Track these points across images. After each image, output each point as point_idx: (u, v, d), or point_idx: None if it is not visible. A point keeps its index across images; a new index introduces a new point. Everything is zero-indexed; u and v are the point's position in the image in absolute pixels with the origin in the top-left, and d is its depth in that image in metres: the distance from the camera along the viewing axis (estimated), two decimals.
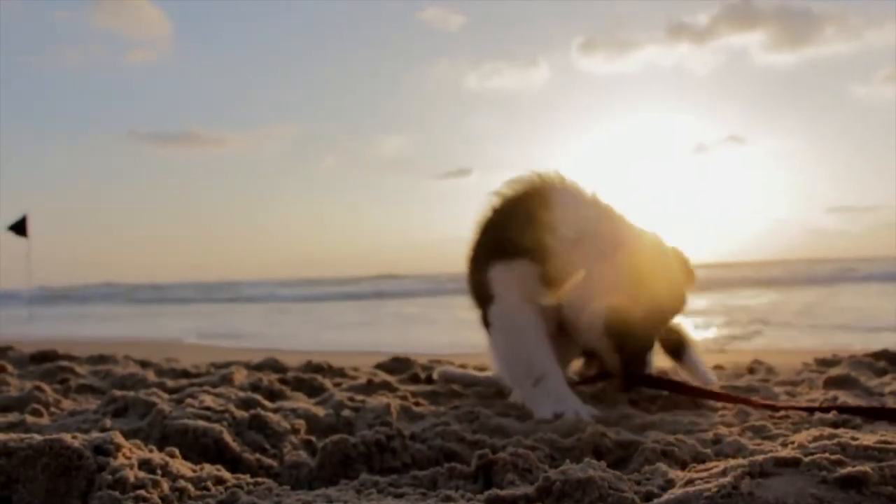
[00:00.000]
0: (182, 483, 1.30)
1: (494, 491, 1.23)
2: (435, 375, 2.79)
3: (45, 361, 3.34)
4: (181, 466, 1.38)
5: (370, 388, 2.59)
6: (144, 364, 3.49)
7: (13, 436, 1.29)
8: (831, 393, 2.33)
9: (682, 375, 2.47)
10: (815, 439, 1.38)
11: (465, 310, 2.41)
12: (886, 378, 2.59)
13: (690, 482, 1.22)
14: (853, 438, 1.31)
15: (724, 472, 1.20)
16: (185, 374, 3.10)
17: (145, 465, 1.31)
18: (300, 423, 1.89)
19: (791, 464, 1.19)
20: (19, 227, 12.09)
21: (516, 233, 2.11)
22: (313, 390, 2.56)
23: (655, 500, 1.17)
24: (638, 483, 1.30)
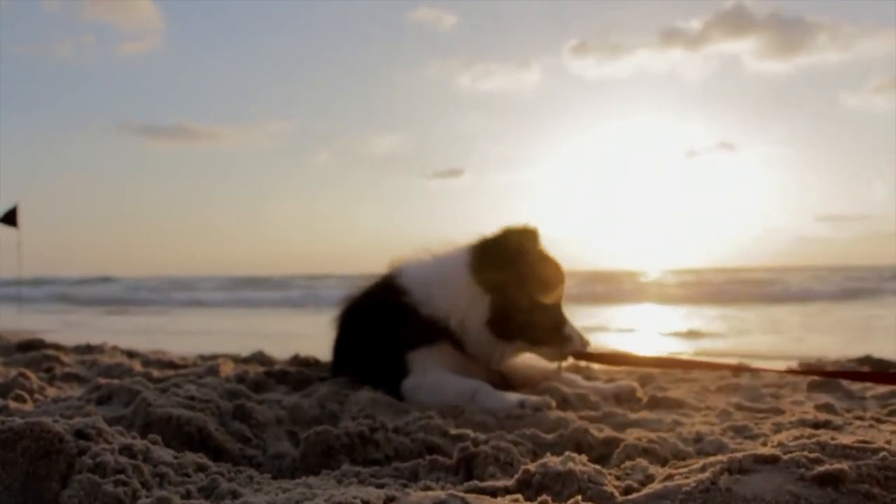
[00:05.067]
0: (163, 469, 1.30)
1: (475, 482, 1.24)
2: None
3: (32, 350, 3.32)
4: (163, 453, 1.37)
5: (356, 383, 2.58)
6: (131, 354, 3.48)
7: None
8: (815, 395, 2.35)
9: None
10: (795, 438, 1.39)
11: None
12: (868, 382, 2.61)
13: (669, 478, 1.23)
14: (832, 438, 1.32)
15: (703, 469, 1.20)
16: (172, 365, 3.09)
17: (126, 450, 1.31)
18: (284, 415, 1.89)
19: (770, 461, 1.20)
20: (10, 218, 12.02)
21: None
22: (299, 383, 2.55)
23: (634, 495, 1.18)
24: (618, 478, 1.31)
